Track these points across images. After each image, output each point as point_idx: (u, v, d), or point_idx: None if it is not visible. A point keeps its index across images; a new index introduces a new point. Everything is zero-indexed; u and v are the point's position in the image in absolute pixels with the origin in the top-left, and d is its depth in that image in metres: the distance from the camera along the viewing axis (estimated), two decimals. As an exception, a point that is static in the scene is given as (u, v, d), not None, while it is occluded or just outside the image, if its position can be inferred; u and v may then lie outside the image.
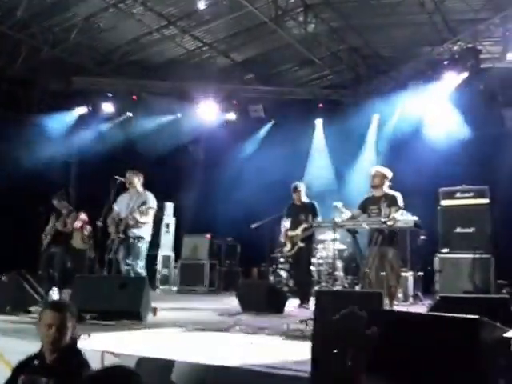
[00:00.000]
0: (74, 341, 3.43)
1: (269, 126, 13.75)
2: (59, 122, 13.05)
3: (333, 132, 12.85)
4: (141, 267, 7.56)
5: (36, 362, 3.35)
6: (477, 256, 8.55)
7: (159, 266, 12.67)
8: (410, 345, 2.98)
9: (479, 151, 9.88)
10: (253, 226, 9.85)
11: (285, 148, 12.95)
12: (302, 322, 5.79)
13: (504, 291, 8.59)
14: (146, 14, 10.68)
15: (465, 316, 2.84)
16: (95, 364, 3.73)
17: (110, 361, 3.94)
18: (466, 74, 10.26)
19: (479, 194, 9.09)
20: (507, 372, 2.78)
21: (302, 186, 9.05)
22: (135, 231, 7.59)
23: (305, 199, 8.99)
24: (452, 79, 10.49)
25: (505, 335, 2.83)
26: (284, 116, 13.04)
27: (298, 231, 8.75)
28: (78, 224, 10.05)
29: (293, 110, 12.94)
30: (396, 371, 3.00)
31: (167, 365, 3.68)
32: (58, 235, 9.15)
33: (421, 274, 9.75)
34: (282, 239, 9.11)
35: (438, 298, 5.21)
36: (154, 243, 11.38)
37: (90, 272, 10.78)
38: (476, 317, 2.78)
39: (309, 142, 13.38)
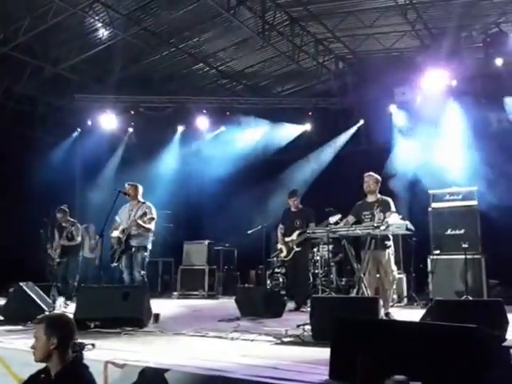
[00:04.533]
0: (79, 356, 3.44)
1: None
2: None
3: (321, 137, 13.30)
4: (142, 275, 7.80)
5: (42, 376, 3.37)
6: (468, 257, 8.71)
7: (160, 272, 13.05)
8: (407, 354, 3.00)
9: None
10: (249, 231, 10.14)
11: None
12: (298, 326, 6.00)
13: (496, 291, 8.88)
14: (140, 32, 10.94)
15: (462, 325, 2.89)
16: (98, 375, 3.76)
17: (113, 371, 3.94)
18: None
19: (468, 197, 9.27)
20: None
21: (298, 193, 9.29)
22: (137, 241, 7.85)
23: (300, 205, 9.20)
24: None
25: (504, 344, 2.90)
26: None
27: (294, 236, 8.92)
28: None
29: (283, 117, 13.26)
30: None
31: (168, 374, 3.71)
32: (67, 247, 9.48)
33: (413, 275, 9.96)
34: (279, 245, 9.28)
35: (432, 302, 5.31)
36: (155, 250, 11.65)
37: (97, 280, 10.98)
38: (473, 326, 2.82)
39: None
